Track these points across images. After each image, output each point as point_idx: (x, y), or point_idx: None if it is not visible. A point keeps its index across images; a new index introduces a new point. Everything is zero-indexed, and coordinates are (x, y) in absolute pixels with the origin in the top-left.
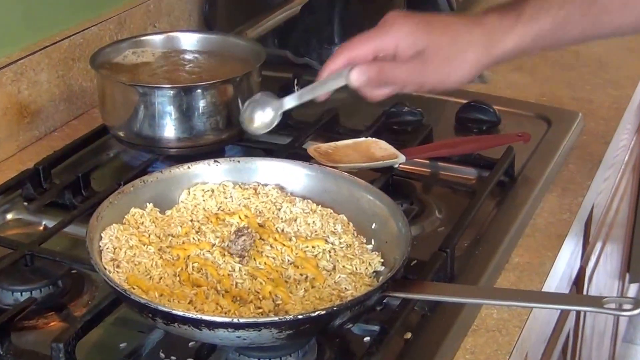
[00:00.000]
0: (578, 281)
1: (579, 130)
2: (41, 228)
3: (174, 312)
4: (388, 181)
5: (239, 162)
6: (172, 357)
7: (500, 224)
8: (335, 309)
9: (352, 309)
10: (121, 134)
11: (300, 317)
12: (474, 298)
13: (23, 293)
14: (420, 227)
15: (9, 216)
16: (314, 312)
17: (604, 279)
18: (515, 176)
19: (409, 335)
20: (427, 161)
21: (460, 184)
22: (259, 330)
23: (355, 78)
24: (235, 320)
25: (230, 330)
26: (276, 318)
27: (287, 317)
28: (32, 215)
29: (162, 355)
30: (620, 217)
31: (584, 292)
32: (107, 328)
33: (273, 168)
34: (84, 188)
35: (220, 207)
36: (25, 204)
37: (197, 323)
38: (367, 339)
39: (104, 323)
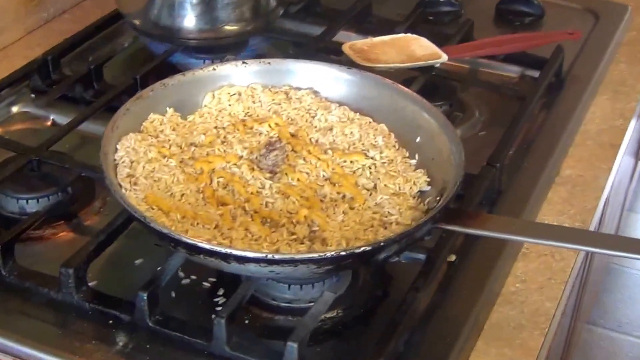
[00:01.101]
0: None
1: (628, 25)
2: (49, 123)
3: (200, 244)
4: (427, 81)
5: (269, 63)
6: (192, 277)
7: (549, 131)
8: (382, 244)
9: (399, 242)
10: (137, 22)
11: (342, 253)
12: (547, 239)
13: (29, 201)
14: (460, 130)
15: (15, 109)
16: (358, 248)
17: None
18: (563, 77)
19: (453, 257)
20: (466, 57)
21: (503, 84)
22: (295, 266)
23: None
24: (269, 256)
25: (262, 265)
26: (316, 255)
27: (329, 254)
28: (40, 109)
29: (181, 274)
30: None
31: None
32: (120, 241)
33: (307, 71)
34: (96, 81)
35: (247, 112)
36: (33, 96)
37: (226, 257)
38: (404, 260)
39: None
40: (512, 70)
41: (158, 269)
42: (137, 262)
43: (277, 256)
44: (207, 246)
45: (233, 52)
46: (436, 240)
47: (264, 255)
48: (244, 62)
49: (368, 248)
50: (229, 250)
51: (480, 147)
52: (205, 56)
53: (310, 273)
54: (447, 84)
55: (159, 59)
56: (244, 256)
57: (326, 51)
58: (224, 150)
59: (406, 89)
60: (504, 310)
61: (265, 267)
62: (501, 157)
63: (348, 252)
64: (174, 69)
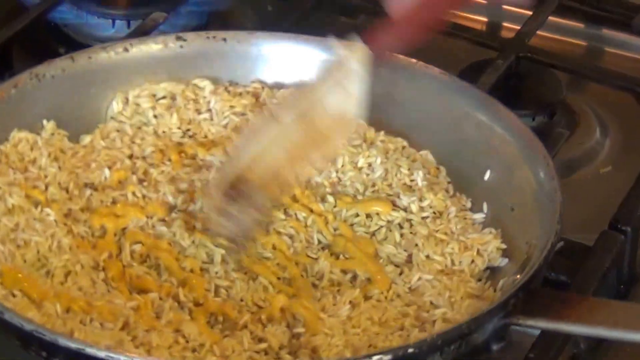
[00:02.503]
0: None
1: None
2: None
3: (88, 351)
4: (509, 69)
5: (224, 39)
6: None
7: None
8: (410, 350)
9: (443, 349)
10: None
11: None
12: None
13: None
14: (564, 161)
15: None
16: (369, 356)
17: None
18: None
19: None
20: (580, 25)
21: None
22: None
23: None
24: None
25: None
26: None
27: None
28: None
29: None
30: None
31: None
32: None
33: (291, 53)
34: None
35: (188, 129)
36: None
37: None
38: None
39: None
40: None
41: None
42: None
43: None
44: (102, 355)
45: (164, 5)
46: (517, 353)
47: None
48: (179, 38)
49: None
50: None
51: (602, 195)
52: (114, 12)
53: None
54: (543, 76)
55: (29, 16)
56: None
57: (334, 9)
58: (144, 196)
59: (466, 84)
60: None
61: None
62: (636, 215)
63: None
64: (58, 36)
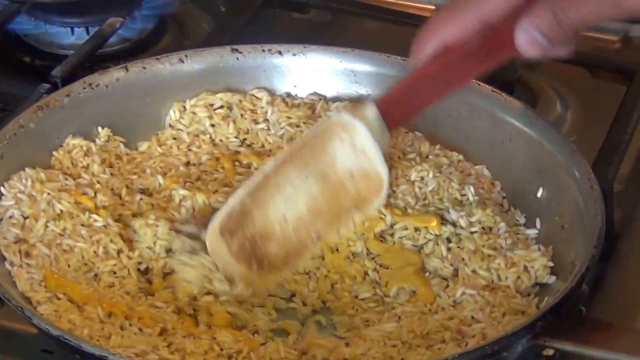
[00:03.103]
0: None
1: None
2: None
3: (111, 358)
4: None
5: (279, 52)
6: None
7: None
8: None
9: None
10: None
11: None
12: None
13: None
14: None
15: None
16: None
17: None
18: None
19: None
20: None
21: (595, 53)
22: None
23: (529, 45)
24: None
25: None
26: None
27: None
28: None
29: None
30: None
31: None
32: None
33: (345, 67)
34: None
35: (245, 139)
36: None
37: None
38: None
39: None
40: (609, 30)
41: None
42: None
43: None
44: None
45: (119, 10)
46: None
47: None
48: (234, 50)
49: None
50: None
51: None
52: (71, 21)
53: None
54: None
55: None
56: None
57: (285, 5)
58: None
59: (517, 102)
60: None
61: None
62: (607, 179)
63: None
64: (21, 45)
